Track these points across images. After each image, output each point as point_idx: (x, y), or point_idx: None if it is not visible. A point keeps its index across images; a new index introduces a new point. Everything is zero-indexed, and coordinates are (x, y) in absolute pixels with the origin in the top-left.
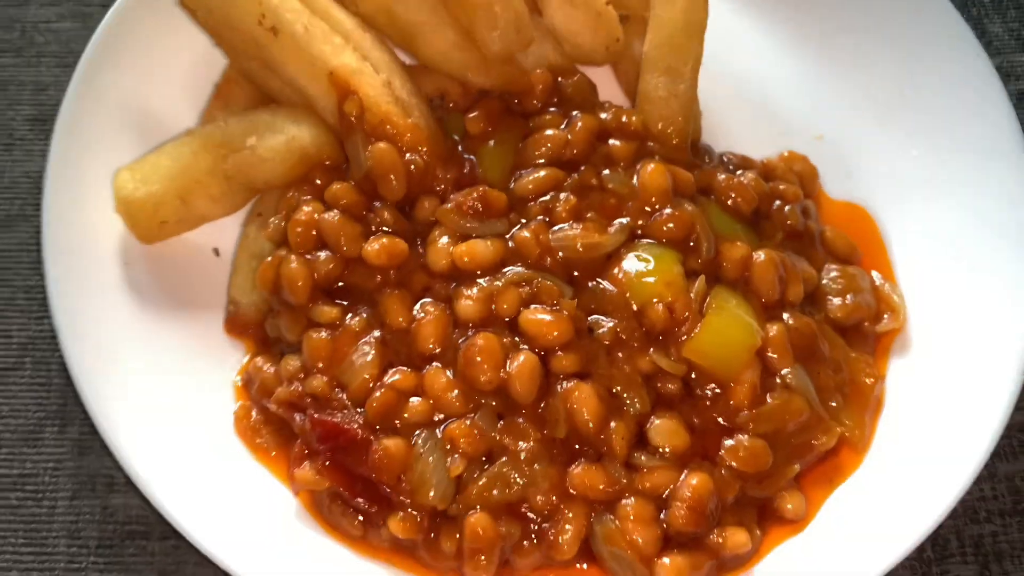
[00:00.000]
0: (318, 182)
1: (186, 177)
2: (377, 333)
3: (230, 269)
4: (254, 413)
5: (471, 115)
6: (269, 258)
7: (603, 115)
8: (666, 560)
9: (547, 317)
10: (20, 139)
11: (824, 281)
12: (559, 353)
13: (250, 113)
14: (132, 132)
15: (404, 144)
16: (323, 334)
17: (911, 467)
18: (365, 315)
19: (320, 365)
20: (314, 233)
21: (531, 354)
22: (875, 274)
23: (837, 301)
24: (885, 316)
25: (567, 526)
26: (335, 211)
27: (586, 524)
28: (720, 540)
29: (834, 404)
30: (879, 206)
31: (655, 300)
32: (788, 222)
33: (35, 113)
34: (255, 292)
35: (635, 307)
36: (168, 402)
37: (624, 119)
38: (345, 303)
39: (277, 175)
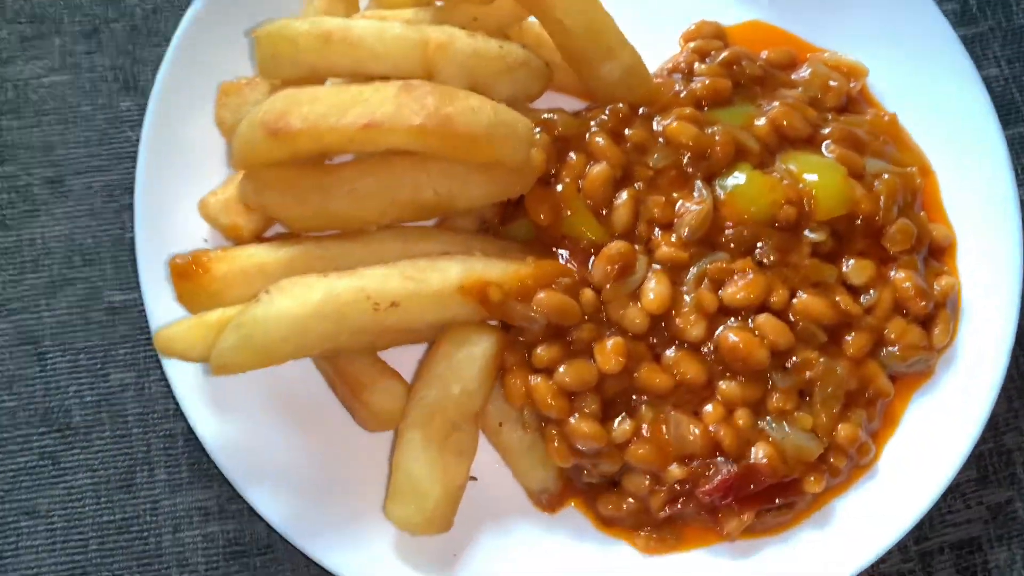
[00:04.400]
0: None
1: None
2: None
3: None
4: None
5: (537, 216)
6: (553, 442)
7: (600, 119)
8: None
9: (742, 286)
10: (43, 203)
11: (803, 91)
12: (772, 298)
13: (432, 366)
14: None
15: (546, 280)
16: (641, 449)
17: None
18: (643, 407)
19: (660, 462)
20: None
21: (764, 315)
22: (822, 55)
23: (828, 96)
24: (852, 82)
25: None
26: (559, 368)
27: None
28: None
29: (891, 153)
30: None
31: (778, 206)
32: (749, 74)
33: (51, 175)
34: (549, 471)
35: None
36: None
37: (617, 112)
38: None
39: (487, 394)
